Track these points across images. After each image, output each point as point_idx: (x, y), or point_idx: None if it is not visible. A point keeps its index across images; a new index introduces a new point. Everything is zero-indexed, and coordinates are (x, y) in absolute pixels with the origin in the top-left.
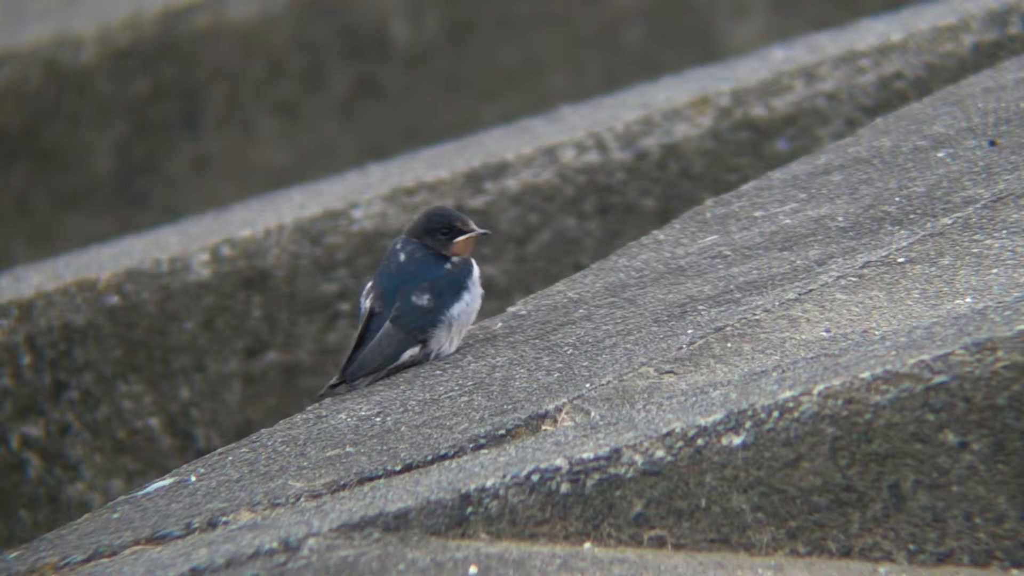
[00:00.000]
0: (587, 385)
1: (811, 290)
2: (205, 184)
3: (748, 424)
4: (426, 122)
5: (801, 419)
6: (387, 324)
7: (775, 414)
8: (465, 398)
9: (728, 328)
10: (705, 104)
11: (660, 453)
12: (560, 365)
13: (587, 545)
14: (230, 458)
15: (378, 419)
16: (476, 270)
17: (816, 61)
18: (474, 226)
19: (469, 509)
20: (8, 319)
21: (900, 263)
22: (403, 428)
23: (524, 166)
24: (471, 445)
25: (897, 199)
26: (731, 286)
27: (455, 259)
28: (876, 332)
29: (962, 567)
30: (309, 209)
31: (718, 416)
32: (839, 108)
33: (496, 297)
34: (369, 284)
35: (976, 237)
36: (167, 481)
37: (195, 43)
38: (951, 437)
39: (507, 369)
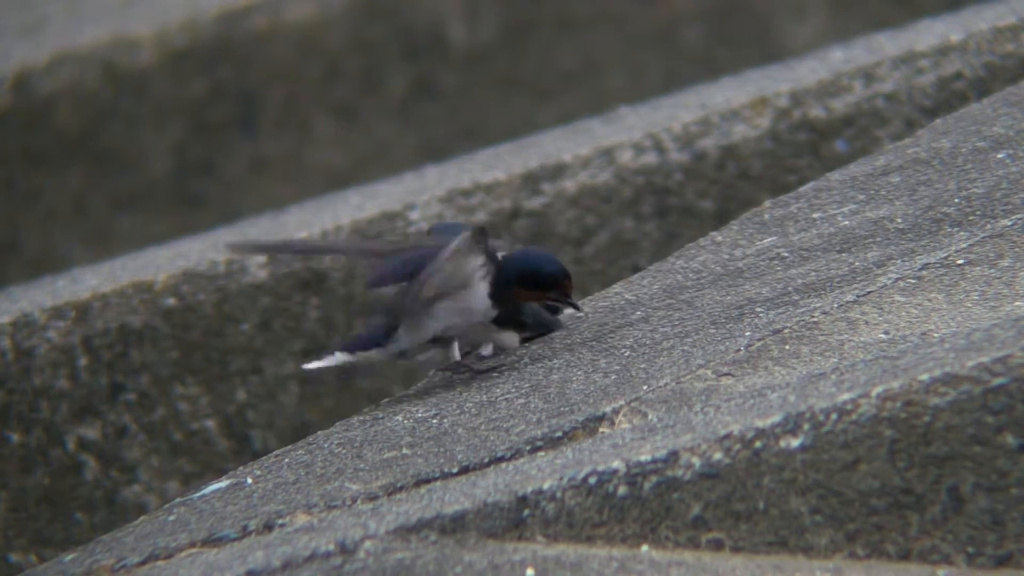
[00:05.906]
0: (644, 387)
1: (870, 292)
2: (262, 185)
3: (806, 426)
4: (483, 123)
5: (859, 421)
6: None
7: (833, 416)
8: (522, 400)
9: (786, 330)
10: (763, 105)
11: (718, 455)
12: (617, 367)
13: (644, 548)
14: (286, 460)
15: (435, 421)
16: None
17: (875, 62)
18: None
19: (526, 511)
20: (65, 321)
21: (959, 265)
22: (460, 430)
23: (581, 167)
24: (528, 447)
25: (956, 200)
26: (789, 288)
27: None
28: (935, 334)
29: (1022, 570)
30: (366, 210)
31: (776, 418)
32: (898, 109)
33: None
34: None
35: None
36: (223, 483)
37: (252, 44)
38: (1010, 440)
39: (564, 371)
